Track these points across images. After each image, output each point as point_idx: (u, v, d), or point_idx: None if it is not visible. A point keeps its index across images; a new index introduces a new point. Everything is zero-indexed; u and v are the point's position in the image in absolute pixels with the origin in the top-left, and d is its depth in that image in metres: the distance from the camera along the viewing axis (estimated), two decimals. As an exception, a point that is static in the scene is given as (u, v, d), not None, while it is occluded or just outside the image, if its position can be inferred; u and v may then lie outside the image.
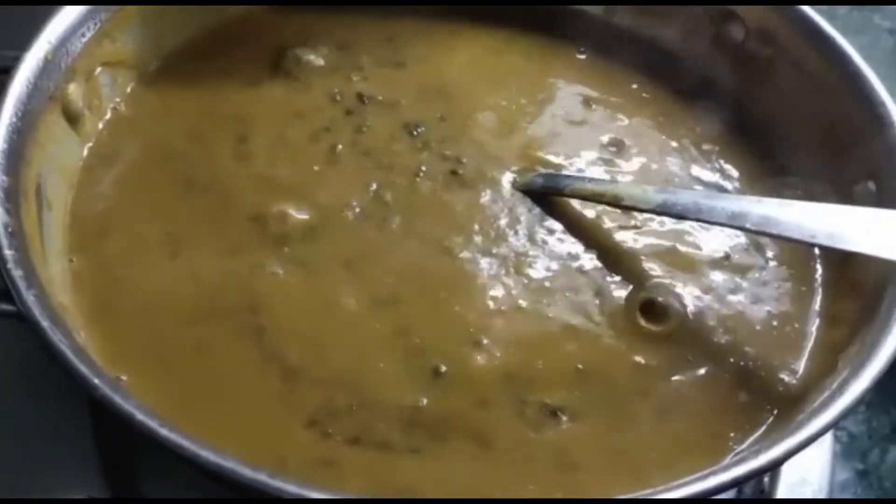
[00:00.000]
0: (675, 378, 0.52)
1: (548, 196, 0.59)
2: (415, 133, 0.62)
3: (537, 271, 0.55)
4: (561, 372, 0.51)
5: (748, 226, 0.51)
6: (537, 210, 0.58)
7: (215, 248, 0.55)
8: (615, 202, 0.57)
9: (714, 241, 0.58)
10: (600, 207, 0.58)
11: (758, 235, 0.57)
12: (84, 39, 0.59)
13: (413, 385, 0.50)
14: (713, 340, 0.54)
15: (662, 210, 0.55)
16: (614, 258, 0.57)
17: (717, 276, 0.57)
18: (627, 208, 0.57)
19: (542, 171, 0.61)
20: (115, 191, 0.58)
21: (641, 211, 0.57)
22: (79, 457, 0.55)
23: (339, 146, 0.61)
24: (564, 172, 0.61)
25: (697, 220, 0.54)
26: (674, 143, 0.64)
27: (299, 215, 0.56)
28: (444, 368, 0.51)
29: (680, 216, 0.55)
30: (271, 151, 0.60)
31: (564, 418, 0.49)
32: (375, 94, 0.64)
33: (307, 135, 0.61)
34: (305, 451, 0.47)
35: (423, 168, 0.60)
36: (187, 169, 0.59)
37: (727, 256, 0.58)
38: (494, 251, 0.56)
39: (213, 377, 0.50)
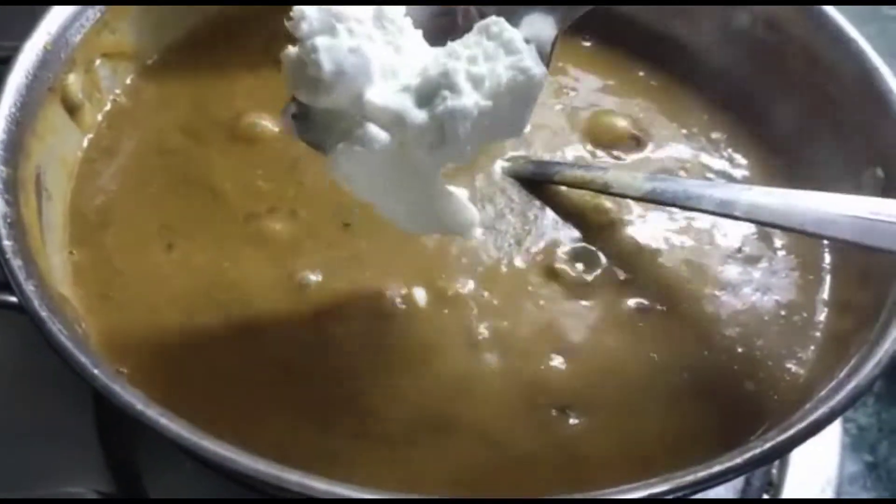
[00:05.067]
0: (685, 370, 0.51)
1: (540, 183, 0.59)
2: None
3: (536, 275, 0.54)
4: (569, 367, 0.51)
5: (737, 213, 0.50)
6: (535, 200, 0.58)
7: (208, 242, 0.55)
8: (604, 189, 0.56)
9: (724, 232, 0.58)
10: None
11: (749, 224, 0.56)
12: (83, 30, 0.58)
13: (415, 381, 0.50)
14: (723, 332, 0.53)
15: (651, 198, 0.54)
16: (618, 248, 0.56)
17: (730, 269, 0.56)
18: (616, 195, 0.56)
19: (533, 158, 0.60)
20: (114, 183, 0.58)
21: (630, 198, 0.56)
22: (83, 452, 0.55)
23: None
24: (555, 159, 0.61)
25: (686, 208, 0.54)
26: (683, 132, 0.64)
27: (293, 207, 0.56)
28: (446, 362, 0.50)
29: (669, 204, 0.55)
30: (266, 144, 0.60)
31: (573, 414, 0.49)
32: None
33: None
34: (306, 445, 0.47)
35: None
36: (183, 163, 0.59)
37: (739, 249, 0.57)
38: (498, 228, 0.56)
39: (210, 370, 0.50)
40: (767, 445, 0.42)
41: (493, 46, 0.43)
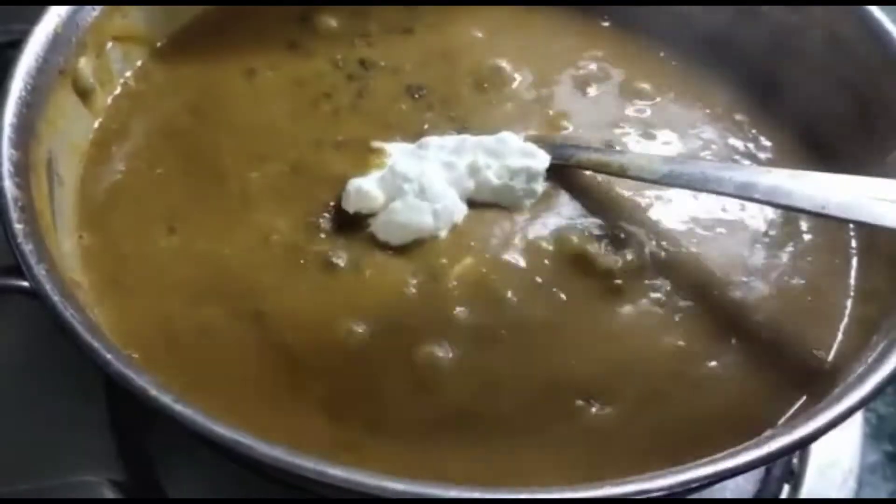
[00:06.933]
0: (711, 357, 0.50)
1: (558, 167, 0.57)
2: (416, 96, 0.61)
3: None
4: (593, 358, 0.50)
5: (757, 196, 0.49)
6: (553, 182, 0.57)
7: (210, 227, 0.54)
8: (620, 172, 0.56)
9: (751, 215, 0.57)
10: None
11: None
12: (94, 13, 0.58)
13: (434, 373, 0.49)
14: (750, 318, 0.52)
15: (669, 181, 0.54)
16: (640, 234, 0.55)
17: (756, 254, 0.55)
18: (633, 178, 0.56)
19: (548, 140, 0.59)
20: (123, 166, 0.57)
21: (647, 181, 0.55)
22: (95, 440, 0.55)
23: (341, 110, 0.60)
24: (571, 142, 0.59)
25: (704, 190, 0.53)
26: (707, 111, 0.63)
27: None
28: (465, 353, 0.49)
29: (686, 187, 0.54)
30: (271, 124, 0.59)
31: (597, 403, 0.48)
32: (378, 60, 0.63)
33: (307, 102, 0.61)
34: (321, 436, 0.46)
35: (426, 127, 0.59)
36: (191, 146, 0.58)
37: (766, 233, 0.56)
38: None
39: (218, 359, 0.49)
40: (796, 435, 0.42)
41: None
